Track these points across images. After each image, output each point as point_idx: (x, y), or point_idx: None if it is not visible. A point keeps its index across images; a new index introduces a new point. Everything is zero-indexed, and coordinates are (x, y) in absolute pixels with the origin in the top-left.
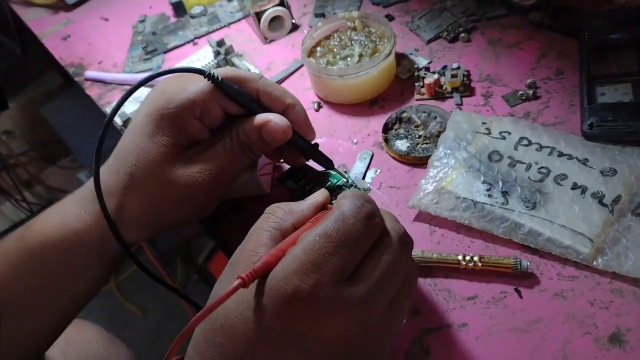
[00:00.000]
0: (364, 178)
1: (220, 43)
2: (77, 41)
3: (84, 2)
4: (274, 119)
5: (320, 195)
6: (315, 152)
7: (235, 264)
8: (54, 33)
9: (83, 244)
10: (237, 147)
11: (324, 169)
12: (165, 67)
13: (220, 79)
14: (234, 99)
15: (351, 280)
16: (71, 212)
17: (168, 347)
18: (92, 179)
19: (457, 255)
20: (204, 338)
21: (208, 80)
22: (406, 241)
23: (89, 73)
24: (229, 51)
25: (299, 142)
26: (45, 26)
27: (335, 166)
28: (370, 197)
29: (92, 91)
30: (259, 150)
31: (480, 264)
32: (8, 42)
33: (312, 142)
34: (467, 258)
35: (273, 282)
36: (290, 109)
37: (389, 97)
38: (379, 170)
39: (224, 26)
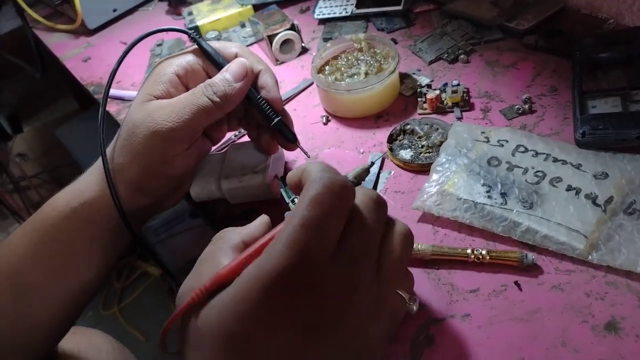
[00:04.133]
0: (377, 179)
1: None
2: (97, 63)
3: (105, 27)
4: (241, 58)
5: (263, 217)
6: (278, 121)
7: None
8: (75, 56)
9: (88, 206)
10: (200, 90)
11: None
12: None
13: (199, 37)
14: (210, 58)
15: (338, 253)
16: (82, 177)
17: None
18: None
19: (466, 249)
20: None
21: (190, 38)
22: (380, 202)
23: (110, 91)
24: None
25: (261, 104)
26: (66, 49)
27: (342, 173)
28: (331, 166)
29: (111, 107)
30: (221, 92)
31: (488, 257)
32: (28, 67)
33: (278, 119)
34: (476, 252)
35: (270, 284)
36: (261, 74)
37: (393, 111)
38: (392, 172)
39: None
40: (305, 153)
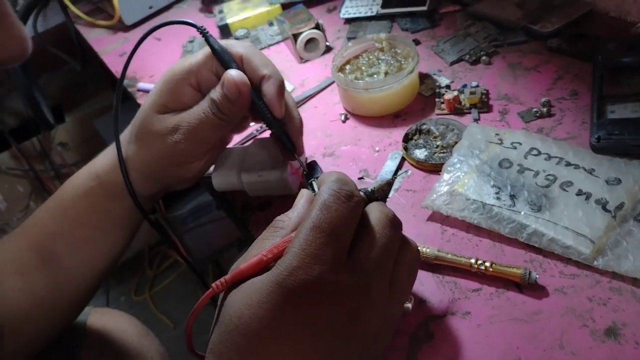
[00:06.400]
0: (395, 177)
1: None
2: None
3: (141, 23)
4: (232, 72)
5: (304, 192)
6: (278, 129)
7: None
8: (112, 50)
9: (103, 186)
10: (207, 106)
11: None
12: None
13: (208, 33)
14: (218, 56)
15: (350, 264)
16: (98, 159)
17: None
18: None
19: (470, 259)
20: (220, 341)
21: (199, 32)
22: (395, 222)
23: (141, 84)
24: None
25: (263, 110)
26: (105, 44)
27: (358, 170)
28: (345, 176)
29: (142, 100)
30: (226, 109)
31: (491, 269)
32: (70, 60)
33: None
34: (479, 263)
35: (280, 280)
36: (265, 80)
37: (411, 111)
38: (409, 171)
39: (264, 47)
40: (302, 165)
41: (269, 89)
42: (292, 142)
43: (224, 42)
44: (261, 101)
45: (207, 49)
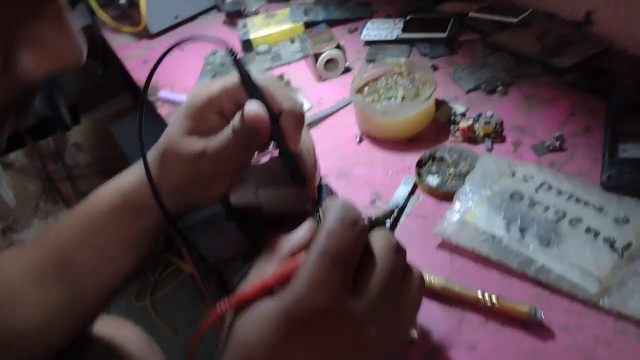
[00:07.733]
0: (406, 203)
1: (280, 77)
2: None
3: (165, 32)
4: (251, 106)
5: (309, 223)
6: (291, 162)
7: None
8: (135, 57)
9: (129, 202)
10: (231, 133)
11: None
12: None
13: (237, 56)
14: (244, 81)
15: (357, 291)
16: (125, 176)
17: None
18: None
19: (477, 294)
20: None
21: (229, 55)
22: (398, 249)
23: (162, 93)
24: (287, 85)
25: (280, 143)
26: (128, 51)
27: (370, 193)
28: (349, 203)
29: (163, 109)
30: (246, 137)
31: (497, 305)
32: (91, 63)
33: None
34: (486, 296)
35: (288, 308)
36: (283, 115)
37: (426, 137)
38: (421, 197)
39: (285, 64)
40: (309, 201)
41: (288, 122)
42: (301, 177)
43: (252, 72)
44: (279, 133)
45: (228, 79)
